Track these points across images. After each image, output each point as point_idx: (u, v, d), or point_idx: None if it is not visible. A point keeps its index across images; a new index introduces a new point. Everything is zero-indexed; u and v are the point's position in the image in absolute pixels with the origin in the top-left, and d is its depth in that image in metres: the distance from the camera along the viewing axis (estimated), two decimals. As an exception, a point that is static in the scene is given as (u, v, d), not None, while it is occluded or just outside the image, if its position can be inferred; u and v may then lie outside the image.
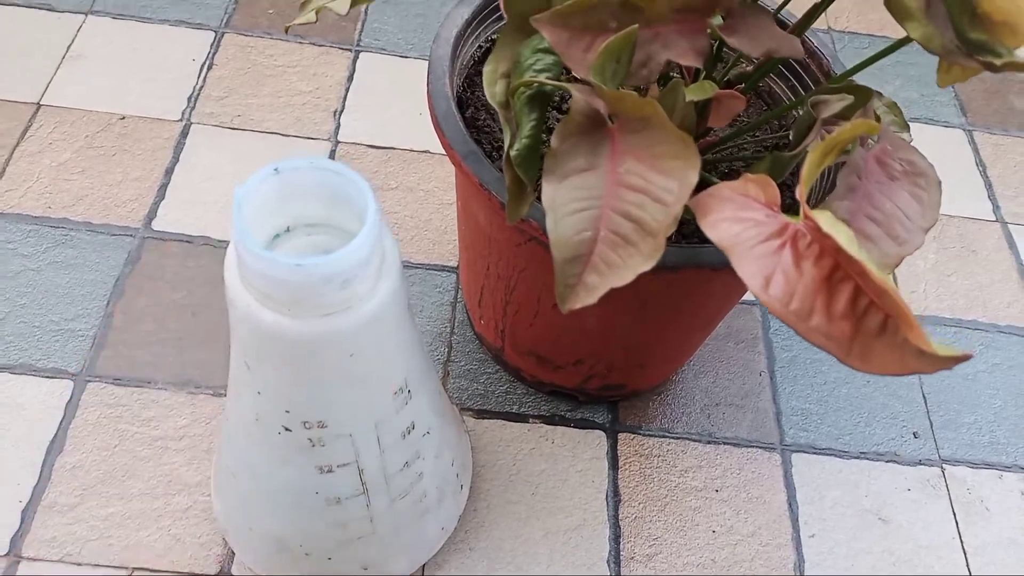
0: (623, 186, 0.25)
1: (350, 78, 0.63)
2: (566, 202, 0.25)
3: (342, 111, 0.61)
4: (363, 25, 0.67)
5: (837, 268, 0.22)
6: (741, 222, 0.23)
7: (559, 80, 0.28)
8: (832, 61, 0.42)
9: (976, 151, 0.68)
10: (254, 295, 0.26)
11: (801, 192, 0.22)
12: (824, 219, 0.21)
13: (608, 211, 0.25)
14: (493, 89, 0.28)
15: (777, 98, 0.45)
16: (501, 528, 0.45)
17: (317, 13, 0.28)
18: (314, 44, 0.65)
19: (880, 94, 0.36)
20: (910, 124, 0.69)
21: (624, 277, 0.25)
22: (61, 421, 0.45)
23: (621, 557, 0.44)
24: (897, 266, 0.27)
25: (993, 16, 0.22)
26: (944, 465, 0.51)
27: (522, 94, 0.27)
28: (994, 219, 0.64)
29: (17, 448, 0.43)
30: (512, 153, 0.27)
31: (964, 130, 0.69)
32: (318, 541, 0.35)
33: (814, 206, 0.30)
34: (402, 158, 0.59)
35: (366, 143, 0.59)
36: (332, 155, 0.58)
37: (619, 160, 0.25)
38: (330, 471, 0.32)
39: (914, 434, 0.52)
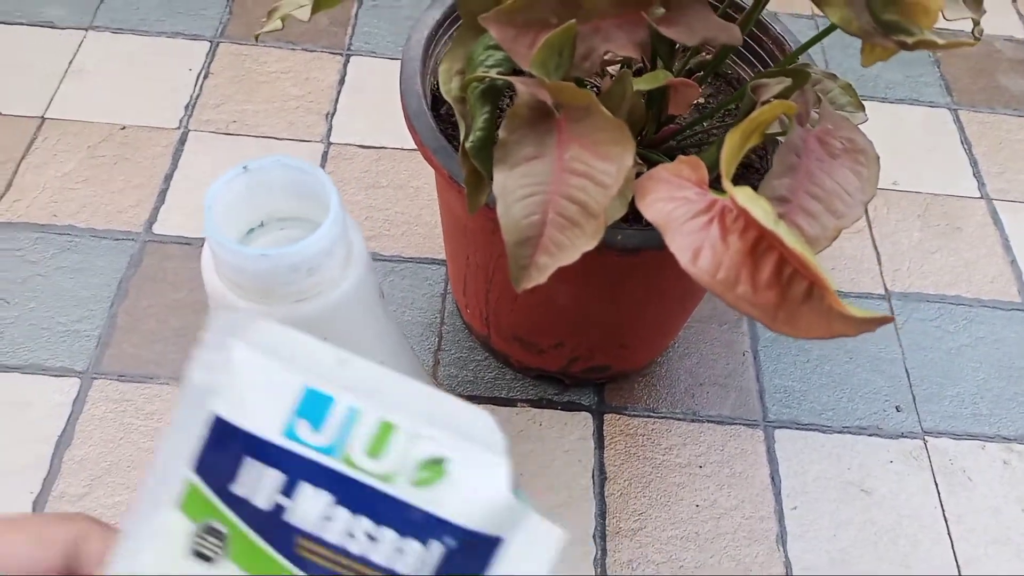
0: (568, 172, 0.27)
1: (341, 81, 0.65)
2: (515, 188, 0.27)
3: (334, 113, 0.63)
4: (353, 30, 0.69)
5: (761, 240, 0.24)
6: (673, 201, 0.25)
7: (509, 75, 0.29)
8: (795, 48, 0.43)
9: (962, 129, 0.69)
10: (228, 286, 0.28)
11: (724, 170, 0.23)
12: (742, 194, 0.23)
13: (555, 196, 0.27)
14: (449, 86, 0.30)
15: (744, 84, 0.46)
16: (491, 508, 0.46)
17: (283, 20, 0.30)
18: (306, 50, 0.67)
19: (834, 76, 0.38)
20: (894, 105, 0.70)
21: (571, 256, 0.27)
22: (69, 416, 0.47)
23: (607, 532, 0.46)
24: (835, 238, 0.29)
25: (906, -2, 0.23)
26: (927, 437, 0.52)
27: (475, 89, 0.29)
28: (979, 196, 0.64)
29: (28, 443, 0.46)
30: (467, 145, 0.29)
31: (950, 109, 0.70)
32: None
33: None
34: (392, 157, 0.61)
35: (357, 143, 0.61)
36: (325, 156, 0.60)
37: (565, 147, 0.27)
38: (314, 452, 0.33)
39: (897, 408, 0.53)
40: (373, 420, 0.20)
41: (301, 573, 0.19)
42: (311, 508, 0.19)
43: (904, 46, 0.24)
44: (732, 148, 0.24)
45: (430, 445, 0.20)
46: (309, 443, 0.20)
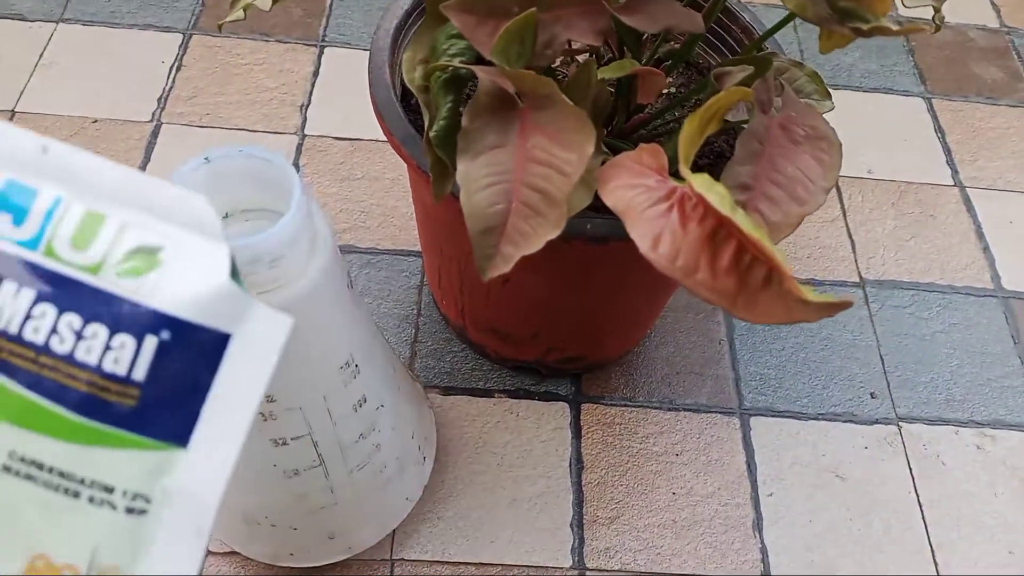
0: (531, 160, 0.27)
1: (316, 73, 0.65)
2: (478, 177, 0.27)
3: (308, 105, 0.63)
4: (328, 21, 0.68)
5: (720, 226, 0.24)
6: (634, 188, 0.25)
7: (471, 64, 0.29)
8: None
9: (935, 118, 0.69)
10: (192, 277, 0.27)
11: (682, 156, 0.24)
12: (698, 181, 0.23)
13: (518, 184, 0.27)
14: (412, 75, 0.30)
15: (717, 73, 0.46)
16: (468, 497, 0.46)
17: (245, 10, 0.30)
18: (280, 41, 0.66)
19: (801, 64, 0.38)
20: (869, 94, 0.70)
21: (535, 244, 0.27)
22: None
23: (584, 520, 0.46)
24: (798, 225, 0.29)
25: (862, -16, 0.23)
26: (901, 423, 0.52)
27: (438, 78, 0.29)
28: (952, 184, 0.65)
29: None
30: (431, 134, 0.29)
31: (923, 98, 0.70)
32: (281, 512, 0.37)
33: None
34: (367, 149, 0.61)
35: (332, 135, 0.61)
36: (299, 148, 0.60)
37: (527, 136, 0.27)
38: (284, 444, 0.33)
39: (871, 394, 0.53)
40: (79, 210, 0.19)
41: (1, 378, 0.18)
42: (11, 306, 0.18)
43: (860, 33, 0.24)
44: (689, 135, 0.24)
45: (141, 233, 0.19)
46: (10, 237, 0.18)
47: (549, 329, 0.46)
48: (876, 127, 0.68)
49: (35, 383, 0.17)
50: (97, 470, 0.17)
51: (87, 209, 0.19)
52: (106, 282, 0.18)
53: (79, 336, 0.18)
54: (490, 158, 0.27)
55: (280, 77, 0.64)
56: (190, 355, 0.18)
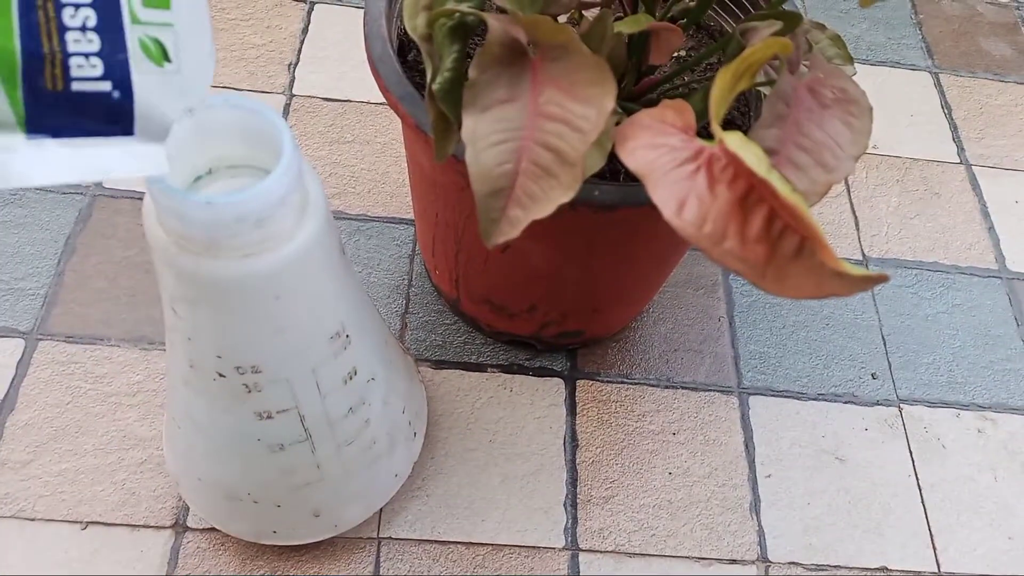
0: (543, 116, 0.25)
1: (304, 30, 0.62)
2: (486, 134, 0.25)
3: (296, 64, 0.60)
4: (318, -24, 0.65)
5: (751, 191, 0.22)
6: (656, 148, 0.23)
7: (481, 10, 0.27)
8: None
9: (942, 93, 0.68)
10: (173, 238, 0.25)
11: (713, 113, 0.22)
12: (733, 139, 0.21)
13: (529, 143, 0.25)
14: (414, 22, 0.27)
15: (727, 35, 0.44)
16: (459, 475, 0.45)
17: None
18: (268, -4, 0.63)
19: (823, 26, 0.36)
20: (875, 67, 0.69)
21: (546, 209, 0.25)
22: (12, 379, 0.44)
23: (578, 500, 0.45)
24: (825, 194, 0.27)
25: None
26: (902, 405, 0.51)
27: (443, 25, 0.27)
28: (958, 161, 0.63)
29: (-31, 408, 0.43)
30: (435, 87, 0.27)
31: (930, 72, 0.69)
32: (265, 489, 0.35)
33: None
34: (358, 111, 0.58)
35: (321, 96, 0.58)
36: (287, 109, 0.58)
37: (539, 90, 0.25)
38: (269, 417, 0.31)
39: (872, 375, 0.52)
40: None
41: None
42: None
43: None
44: (722, 89, 0.22)
45: (166, 33, 0.21)
46: None
47: (547, 301, 0.44)
48: (882, 101, 0.66)
49: (27, 12, 0.19)
50: None
51: None
52: (130, 30, 0.21)
53: (83, 29, 0.20)
54: (499, 114, 0.25)
55: (268, 34, 0.61)
56: (104, 119, 0.21)
